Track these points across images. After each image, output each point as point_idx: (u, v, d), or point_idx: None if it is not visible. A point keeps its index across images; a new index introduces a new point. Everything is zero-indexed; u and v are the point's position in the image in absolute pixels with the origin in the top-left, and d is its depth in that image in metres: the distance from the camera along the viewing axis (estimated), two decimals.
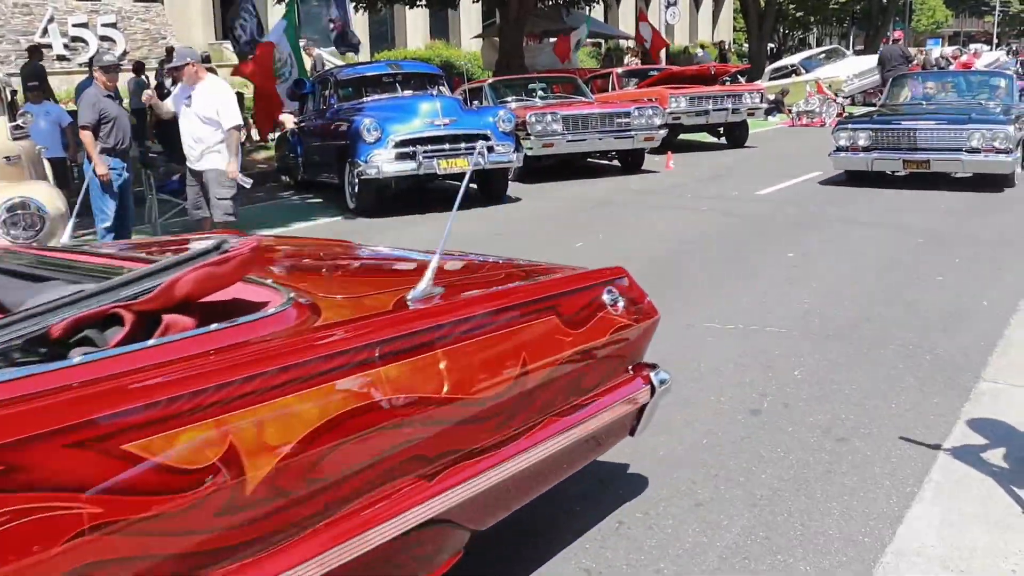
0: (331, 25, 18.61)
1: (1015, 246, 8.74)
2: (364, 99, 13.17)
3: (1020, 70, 28.84)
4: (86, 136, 8.68)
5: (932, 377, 5.33)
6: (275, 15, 23.13)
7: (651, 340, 3.72)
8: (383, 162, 11.33)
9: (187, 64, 8.68)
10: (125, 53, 24.13)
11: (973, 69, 29.73)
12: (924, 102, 13.88)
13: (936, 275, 7.70)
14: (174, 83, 10.81)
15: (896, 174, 12.44)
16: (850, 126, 12.92)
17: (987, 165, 11.76)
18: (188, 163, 9.02)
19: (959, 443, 4.41)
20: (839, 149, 12.85)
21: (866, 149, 12.50)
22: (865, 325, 6.31)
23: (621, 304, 3.42)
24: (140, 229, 10.29)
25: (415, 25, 36.28)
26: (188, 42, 26.08)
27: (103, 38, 24.70)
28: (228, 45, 28.08)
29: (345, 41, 18.11)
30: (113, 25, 25.32)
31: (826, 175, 13.44)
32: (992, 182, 11.98)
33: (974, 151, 11.68)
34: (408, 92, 13.51)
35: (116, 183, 8.78)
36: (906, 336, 6.08)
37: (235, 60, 26.76)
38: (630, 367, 3.55)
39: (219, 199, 8.84)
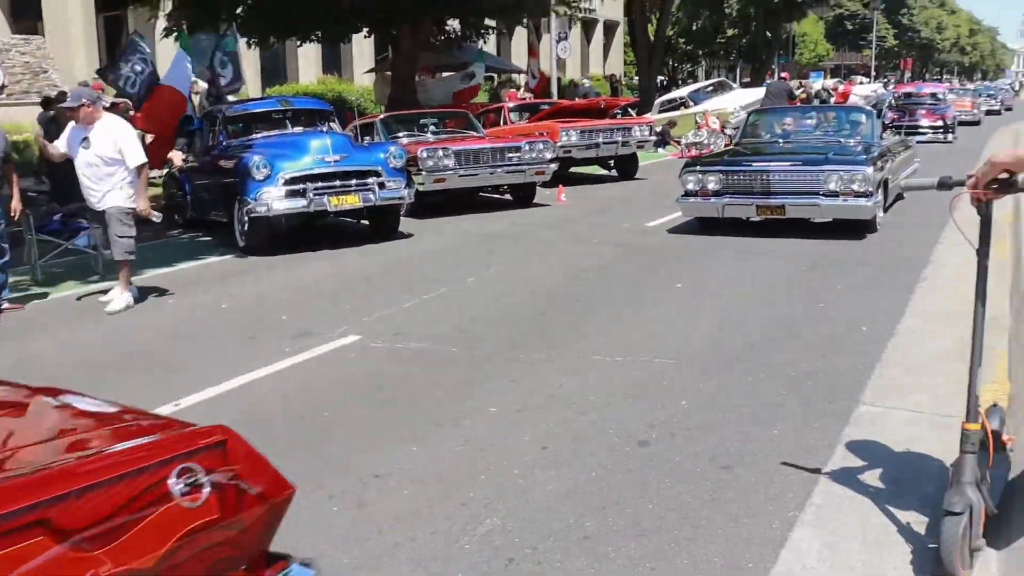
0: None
1: (888, 271, 9.07)
2: (253, 136, 13.02)
3: (893, 102, 29.98)
4: None
5: (813, 402, 5.50)
6: (163, 50, 22.74)
7: (278, 524, 2.62)
8: (273, 200, 11.21)
9: (83, 105, 8.54)
10: (3, 87, 23.44)
11: (846, 99, 30.87)
12: (781, 140, 12.90)
13: (819, 302, 7.94)
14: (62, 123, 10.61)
15: (751, 220, 11.47)
16: (698, 168, 11.71)
17: (845, 210, 10.81)
18: (90, 204, 8.86)
19: (839, 466, 4.55)
20: (687, 194, 11.64)
21: (716, 194, 11.36)
22: (750, 353, 6.48)
23: (208, 489, 2.27)
24: (19, 271, 9.98)
25: (307, 59, 36.09)
26: (70, 75, 25.55)
27: None
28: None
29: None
30: None
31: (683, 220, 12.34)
32: (853, 227, 11.04)
33: (832, 195, 10.70)
34: (298, 128, 13.42)
35: None
36: (789, 363, 6.27)
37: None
38: (244, 566, 2.46)
39: (120, 237, 8.74)
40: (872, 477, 4.42)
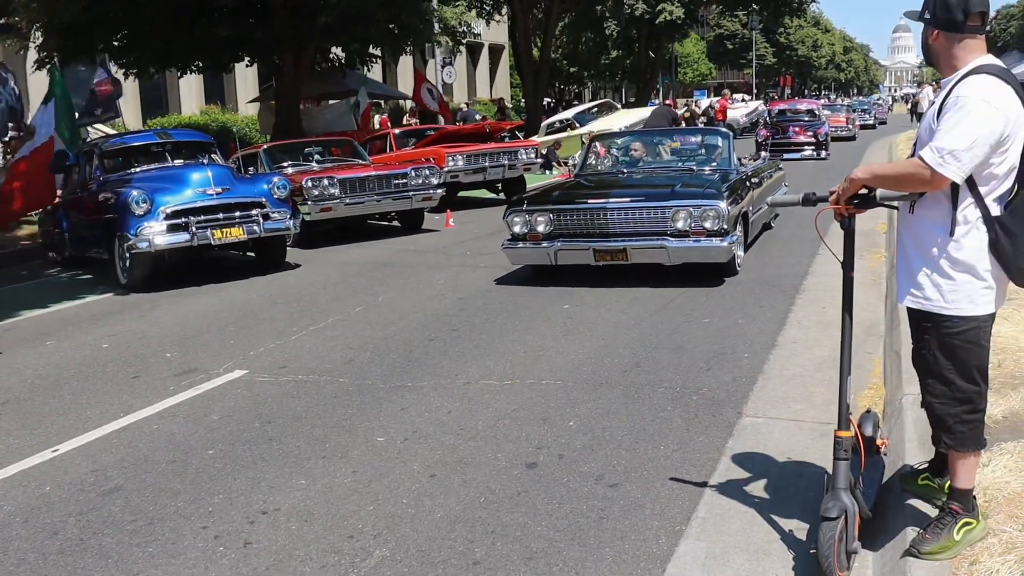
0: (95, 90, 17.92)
1: (769, 282, 9.32)
2: (132, 170, 12.76)
3: (768, 119, 30.45)
4: None
5: (698, 416, 5.61)
6: (35, 83, 22.11)
7: None
8: (154, 235, 10.97)
9: None
10: None
11: (724, 115, 31.42)
12: (625, 171, 11.31)
13: (704, 317, 8.11)
14: None
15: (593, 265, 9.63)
16: (525, 208, 9.87)
17: (697, 252, 9.17)
18: None
19: (724, 478, 4.66)
20: (514, 238, 9.87)
21: (548, 237, 9.65)
22: (635, 371, 6.58)
23: None
24: None
25: (189, 89, 35.52)
26: None
27: None
28: None
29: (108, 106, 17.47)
30: None
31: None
32: (711, 271, 9.68)
33: (680, 234, 9.14)
34: (179, 161, 13.19)
35: None
36: (674, 378, 6.39)
37: None
38: None
39: None
40: (756, 487, 4.54)
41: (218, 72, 27.16)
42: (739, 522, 4.17)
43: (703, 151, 11.61)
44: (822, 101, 49.49)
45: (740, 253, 9.87)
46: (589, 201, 9.60)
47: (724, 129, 12.17)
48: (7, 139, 15.35)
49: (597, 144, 12.41)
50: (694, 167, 10.93)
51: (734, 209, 9.42)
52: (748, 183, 10.64)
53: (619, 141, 12.77)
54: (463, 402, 6.10)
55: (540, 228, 9.65)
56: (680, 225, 9.07)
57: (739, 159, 11.32)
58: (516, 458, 5.07)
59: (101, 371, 7.57)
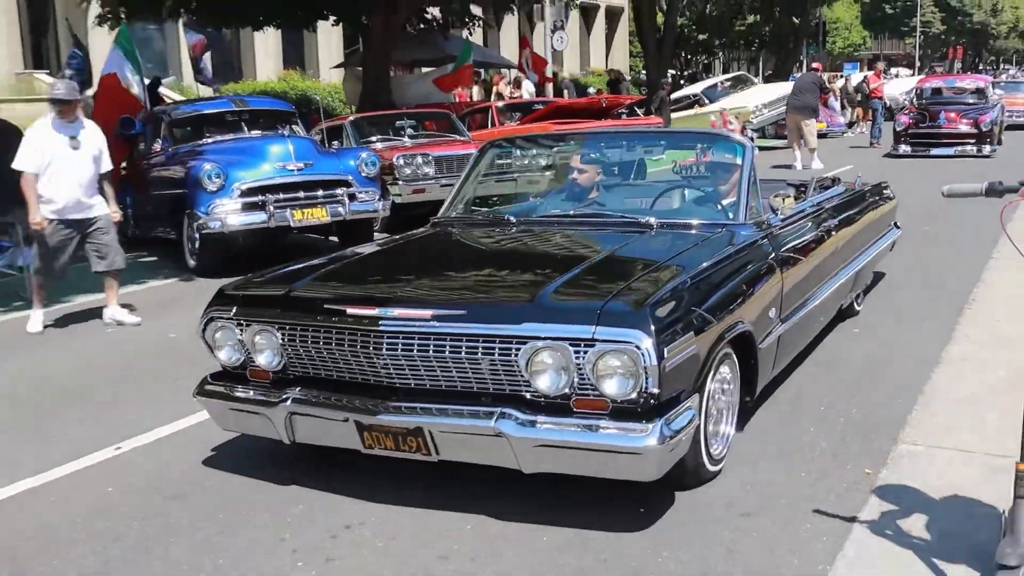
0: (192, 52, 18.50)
1: (939, 289, 9.15)
2: (204, 141, 13.09)
3: (914, 101, 26.17)
4: None
5: (845, 441, 5.56)
6: (97, 40, 22.80)
7: None
8: (228, 213, 11.25)
9: (78, 100, 9.00)
10: None
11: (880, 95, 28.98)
12: (513, 221, 6.62)
13: (854, 327, 8.01)
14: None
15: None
16: (237, 313, 5.33)
17: (579, 457, 4.55)
18: (67, 214, 9.00)
19: (875, 514, 4.60)
20: (223, 375, 5.54)
21: (278, 383, 5.23)
22: (774, 386, 6.52)
23: None
24: None
25: (266, 53, 36.15)
26: None
27: None
28: (39, 75, 27.59)
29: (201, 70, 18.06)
30: None
31: None
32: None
33: (542, 407, 4.58)
34: (256, 132, 13.47)
35: None
36: (818, 396, 6.33)
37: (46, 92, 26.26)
38: None
39: (118, 243, 9.41)
40: (914, 526, 4.47)
41: (298, 27, 27.51)
42: (893, 565, 4.12)
43: (693, 184, 7.09)
44: (1003, 77, 47.51)
45: (717, 448, 5.11)
46: (348, 309, 4.95)
47: (741, 138, 7.01)
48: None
49: (487, 159, 7.48)
50: (652, 222, 6.10)
51: (694, 342, 4.67)
52: (766, 262, 5.87)
53: (530, 154, 8.40)
54: None
55: (262, 360, 5.26)
56: (544, 384, 4.53)
57: (781, 198, 6.81)
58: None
59: (168, 363, 7.82)
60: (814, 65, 27.79)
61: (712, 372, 4.90)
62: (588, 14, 52.92)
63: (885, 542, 4.31)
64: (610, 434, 4.39)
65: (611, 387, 4.41)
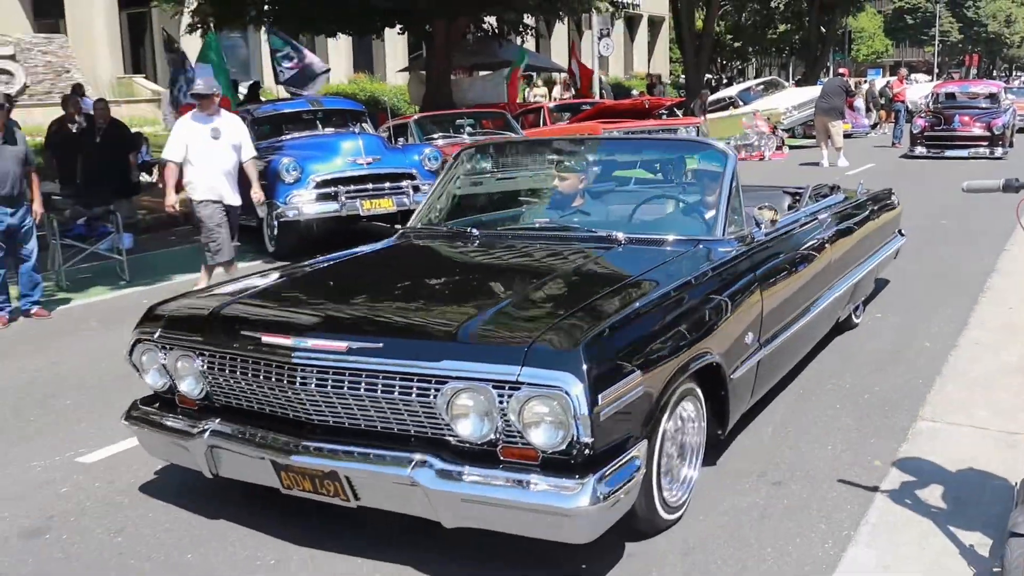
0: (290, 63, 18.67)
1: (955, 278, 9.02)
2: (283, 137, 13.20)
3: (929, 105, 25.14)
4: None
5: (869, 417, 5.51)
6: (188, 46, 23.09)
7: None
8: (303, 203, 11.36)
9: (215, 94, 9.03)
10: (25, 87, 23.83)
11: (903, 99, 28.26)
12: (475, 235, 5.63)
13: (876, 312, 7.92)
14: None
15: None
16: (161, 335, 4.60)
17: (503, 513, 3.73)
18: (217, 197, 9.02)
19: (896, 484, 4.56)
20: (153, 400, 4.82)
21: (202, 410, 4.54)
22: (801, 366, 6.47)
23: None
24: (44, 276, 10.17)
25: (338, 58, 36.32)
26: (94, 75, 25.95)
27: (0, 71, 24.35)
28: (138, 79, 27.95)
29: (299, 82, 18.16)
30: (11, 57, 24.95)
31: None
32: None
33: (464, 454, 3.80)
34: (329, 130, 13.59)
35: None
36: (843, 376, 6.27)
37: (146, 95, 26.61)
38: None
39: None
40: (932, 495, 4.43)
41: (367, 35, 27.67)
42: (913, 532, 4.08)
43: (672, 195, 5.92)
44: (1015, 83, 46.81)
45: (675, 494, 4.28)
46: (264, 337, 4.18)
47: (724, 147, 5.74)
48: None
49: (462, 165, 6.52)
50: (620, 238, 5.17)
51: (643, 382, 3.83)
52: (743, 282, 4.92)
53: (507, 161, 6.96)
54: None
55: (184, 387, 4.52)
56: (465, 429, 3.74)
57: (765, 210, 5.44)
58: None
59: None
60: (841, 70, 27.48)
61: (668, 412, 4.04)
62: (632, 22, 52.64)
63: (905, 510, 4.27)
64: (537, 491, 3.55)
65: (539, 437, 3.57)
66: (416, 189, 11.91)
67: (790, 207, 6.51)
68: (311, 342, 3.98)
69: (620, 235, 5.17)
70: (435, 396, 3.68)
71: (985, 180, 4.09)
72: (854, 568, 3.83)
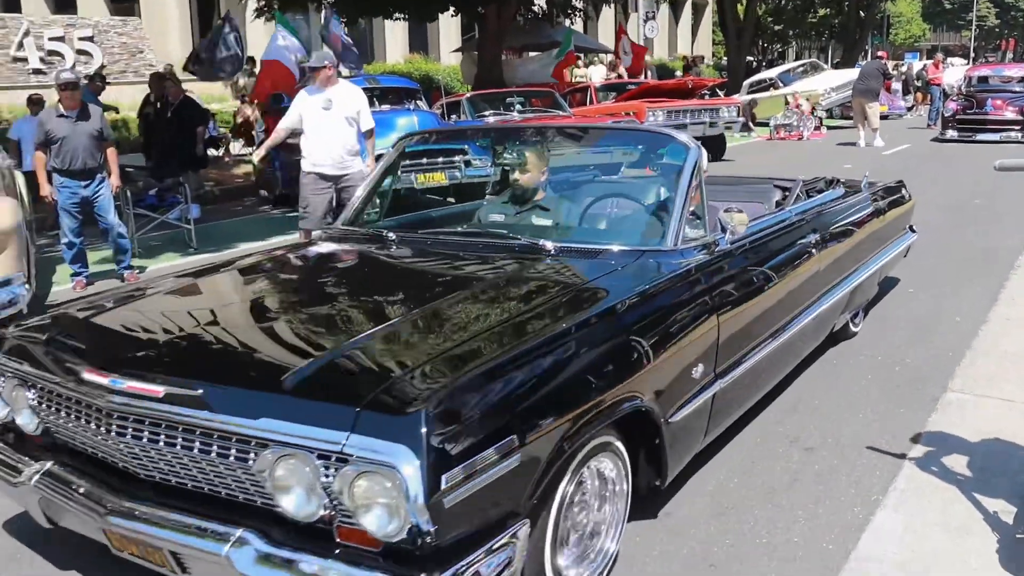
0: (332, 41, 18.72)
1: (986, 255, 8.88)
2: None
3: (962, 88, 23.74)
4: (38, 157, 8.67)
5: (899, 388, 5.45)
6: (253, 33, 23.22)
7: None
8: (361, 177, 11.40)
9: (325, 67, 8.68)
10: (103, 67, 24.05)
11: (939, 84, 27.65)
12: (401, 253, 4.63)
13: (908, 287, 7.82)
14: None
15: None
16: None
17: None
18: (321, 168, 8.71)
19: (924, 452, 4.51)
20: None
21: (40, 448, 3.56)
22: (831, 341, 6.40)
23: None
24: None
25: (394, 39, 36.42)
26: (166, 56, 26.15)
27: (80, 52, 24.65)
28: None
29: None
30: (90, 39, 25.25)
31: None
32: None
33: (283, 541, 2.84)
34: (386, 107, 13.60)
35: (68, 202, 8.69)
36: (875, 348, 6.21)
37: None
38: None
39: None
40: (959, 464, 4.37)
41: (423, 20, 27.71)
42: (939, 498, 4.04)
43: (624, 193, 4.85)
44: None
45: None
46: (84, 372, 3.22)
47: (686, 139, 4.44)
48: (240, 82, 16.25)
49: (401, 154, 5.54)
50: (548, 247, 4.16)
51: (520, 451, 2.79)
52: (694, 303, 3.90)
53: (452, 149, 5.84)
54: None
55: (21, 420, 3.55)
56: (290, 504, 2.77)
57: (732, 213, 4.23)
58: None
59: None
60: (879, 54, 26.99)
61: (569, 476, 3.08)
62: (676, 5, 52.10)
63: (932, 478, 4.23)
64: None
65: (372, 522, 2.62)
66: (467, 164, 11.91)
67: (778, 204, 5.62)
68: (127, 384, 3.06)
69: (550, 244, 4.15)
70: (253, 462, 2.79)
71: (1018, 159, 4.05)
72: (882, 531, 3.80)
